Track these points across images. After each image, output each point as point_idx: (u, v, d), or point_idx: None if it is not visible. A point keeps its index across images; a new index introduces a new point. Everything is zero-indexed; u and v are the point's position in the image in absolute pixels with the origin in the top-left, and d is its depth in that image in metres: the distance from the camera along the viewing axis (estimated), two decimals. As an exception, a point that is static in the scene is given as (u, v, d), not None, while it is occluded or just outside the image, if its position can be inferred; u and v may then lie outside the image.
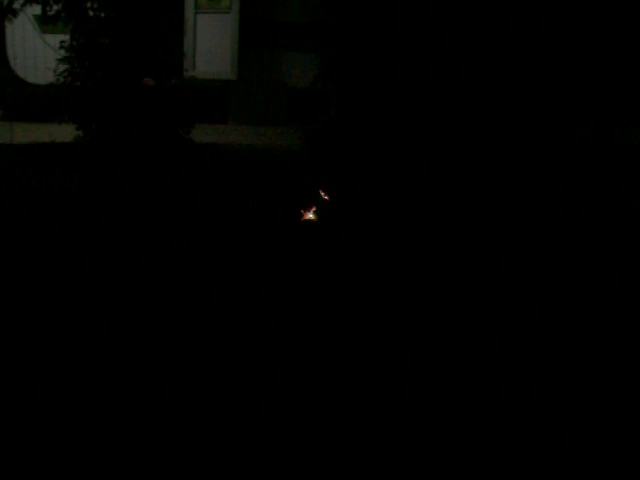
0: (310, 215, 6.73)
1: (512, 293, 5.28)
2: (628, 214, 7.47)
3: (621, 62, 9.75)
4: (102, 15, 11.14)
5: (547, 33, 9.41)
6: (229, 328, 4.55)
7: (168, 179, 8.89)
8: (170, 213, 7.25)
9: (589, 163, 8.91)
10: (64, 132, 11.19)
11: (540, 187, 8.16)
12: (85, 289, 5.10)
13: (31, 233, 6.47)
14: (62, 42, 11.16)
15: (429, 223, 6.90)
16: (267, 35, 14.96)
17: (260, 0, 14.92)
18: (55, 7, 10.95)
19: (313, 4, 14.04)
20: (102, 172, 9.26)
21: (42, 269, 5.51)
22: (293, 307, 4.92)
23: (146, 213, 7.25)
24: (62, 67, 11.09)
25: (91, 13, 11.10)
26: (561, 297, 5.25)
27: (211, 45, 15.41)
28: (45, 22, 11.38)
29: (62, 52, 11.13)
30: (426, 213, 7.13)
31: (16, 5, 11.05)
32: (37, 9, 11.43)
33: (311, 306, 4.95)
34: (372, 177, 7.97)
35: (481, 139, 8.96)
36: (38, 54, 14.38)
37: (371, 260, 5.88)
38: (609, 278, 5.64)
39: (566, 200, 7.93)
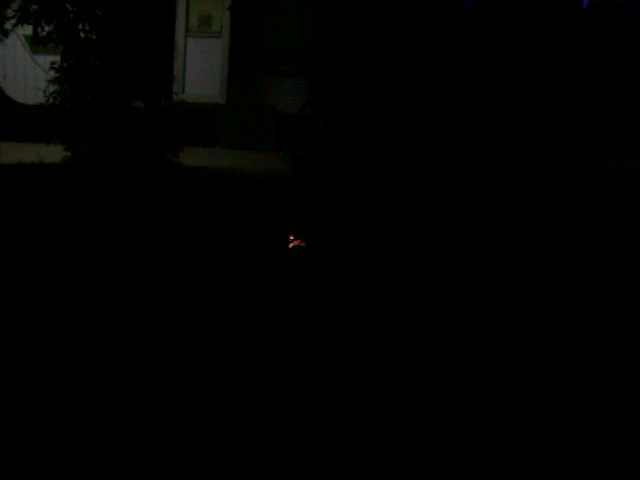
0: (298, 241, 6.75)
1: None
2: (615, 244, 7.52)
3: (610, 90, 9.85)
4: (93, 37, 11.16)
5: (537, 60, 9.50)
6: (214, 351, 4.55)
7: (156, 202, 8.89)
8: (156, 237, 7.24)
9: (578, 194, 8.98)
10: (52, 153, 11.18)
11: (527, 216, 8.21)
12: (67, 317, 5.09)
13: (18, 253, 6.46)
14: (52, 63, 11.18)
15: (417, 253, 6.93)
16: (257, 60, 15.03)
17: (251, 26, 15.00)
18: (47, 28, 10.96)
19: (303, 31, 14.14)
20: (90, 193, 9.25)
21: (32, 287, 5.50)
22: (276, 332, 4.93)
23: (132, 236, 7.24)
24: (52, 88, 11.09)
25: (82, 35, 11.12)
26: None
27: (201, 69, 15.46)
28: (36, 43, 11.37)
29: (52, 73, 11.15)
30: (414, 243, 7.16)
31: (7, 25, 11.05)
32: (28, 29, 11.42)
33: (293, 334, 4.95)
34: (360, 202, 8.01)
35: (470, 170, 9.02)
36: (28, 74, 14.38)
37: (359, 286, 5.90)
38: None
39: (553, 220, 7.99)
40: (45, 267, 6.10)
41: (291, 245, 6.69)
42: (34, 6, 10.80)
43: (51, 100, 11.10)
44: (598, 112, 9.73)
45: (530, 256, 7.02)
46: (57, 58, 11.26)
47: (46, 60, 11.67)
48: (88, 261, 6.35)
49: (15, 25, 11.01)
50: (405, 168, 8.66)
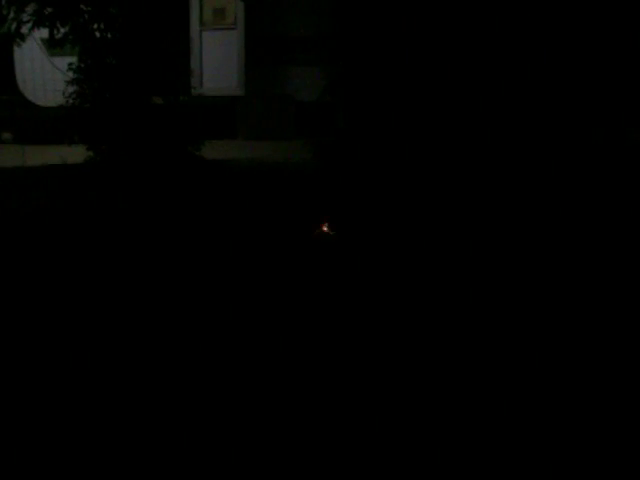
0: (325, 228, 6.75)
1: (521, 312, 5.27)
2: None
3: (631, 61, 9.73)
4: (109, 36, 11.21)
5: (556, 34, 9.41)
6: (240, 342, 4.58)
7: (181, 196, 8.93)
8: (185, 230, 7.29)
9: (600, 168, 8.88)
10: (75, 153, 11.25)
11: (550, 193, 8.15)
12: (95, 312, 5.14)
13: (52, 252, 6.52)
14: (70, 64, 11.23)
15: (443, 234, 6.90)
16: (273, 50, 15.02)
17: (265, 15, 14.99)
18: (62, 30, 11.02)
19: (318, 18, 14.11)
20: (115, 191, 9.30)
21: (64, 285, 5.56)
22: (305, 320, 4.94)
23: (162, 230, 7.29)
24: (71, 89, 11.15)
25: (98, 35, 11.17)
26: (566, 301, 5.25)
27: (218, 61, 15.48)
28: (53, 45, 11.45)
29: (70, 74, 11.21)
30: (440, 224, 7.12)
31: (24, 29, 11.12)
32: (45, 32, 11.49)
33: (322, 321, 4.96)
34: (385, 187, 7.98)
35: (490, 146, 8.96)
36: (47, 77, 14.47)
37: (388, 273, 5.89)
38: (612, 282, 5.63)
39: (575, 205, 7.91)
40: (85, 263, 6.15)
41: (317, 232, 6.70)
42: (49, 9, 10.86)
43: (70, 101, 11.16)
44: (619, 85, 9.62)
45: (551, 233, 6.97)
46: (74, 59, 11.31)
47: (64, 61, 11.73)
48: (119, 251, 6.42)
49: (31, 28, 11.09)
50: (427, 151, 8.62)
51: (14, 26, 11.10)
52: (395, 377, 4.12)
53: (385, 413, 3.72)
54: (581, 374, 4.16)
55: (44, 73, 14.51)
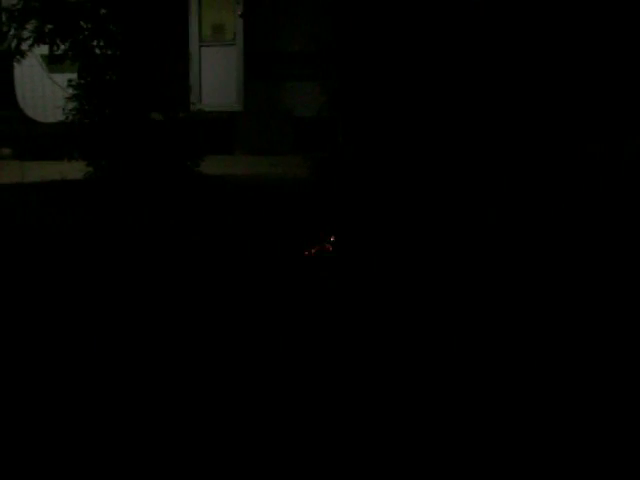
0: (323, 245, 6.77)
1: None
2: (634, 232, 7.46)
3: (628, 73, 9.78)
4: (109, 53, 11.28)
5: (554, 45, 9.47)
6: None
7: (180, 213, 8.96)
8: (182, 247, 7.31)
9: (597, 179, 8.92)
10: (74, 169, 11.29)
11: (547, 204, 8.19)
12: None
13: (48, 269, 6.54)
14: (70, 80, 11.29)
15: (440, 251, 6.93)
16: (272, 65, 15.10)
17: (263, 32, 15.08)
18: (62, 47, 11.08)
19: (316, 33, 14.17)
20: (114, 208, 9.34)
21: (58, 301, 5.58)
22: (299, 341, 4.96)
23: (158, 247, 7.32)
24: (71, 105, 11.21)
25: (97, 51, 11.24)
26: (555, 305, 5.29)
27: (216, 77, 15.56)
28: (53, 62, 11.52)
29: (70, 90, 11.27)
30: (437, 241, 7.15)
31: (24, 46, 11.18)
32: (45, 49, 11.56)
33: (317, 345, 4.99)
34: (382, 203, 8.02)
35: (487, 160, 9.01)
36: (46, 93, 14.54)
37: (386, 292, 5.90)
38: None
39: (569, 214, 7.95)
40: (80, 279, 6.18)
41: (315, 249, 6.72)
42: (49, 26, 10.92)
43: (70, 117, 11.21)
44: (613, 96, 9.67)
45: (544, 242, 7.00)
46: (74, 75, 11.37)
47: (63, 78, 11.80)
48: (119, 267, 6.45)
49: (31, 45, 11.14)
50: (424, 165, 8.67)
51: (14, 43, 11.16)
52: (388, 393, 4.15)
53: (374, 426, 3.75)
54: (572, 373, 4.19)
55: (44, 89, 14.59)
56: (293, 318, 5.30)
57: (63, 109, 11.29)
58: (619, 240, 7.09)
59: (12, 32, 11.15)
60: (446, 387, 4.19)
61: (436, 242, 7.00)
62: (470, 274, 6.22)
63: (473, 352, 4.65)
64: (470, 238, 7.14)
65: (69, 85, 11.28)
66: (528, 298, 5.64)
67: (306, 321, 5.24)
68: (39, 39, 11.03)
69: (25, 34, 11.03)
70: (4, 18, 11.31)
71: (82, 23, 11.04)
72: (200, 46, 15.54)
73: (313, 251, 6.69)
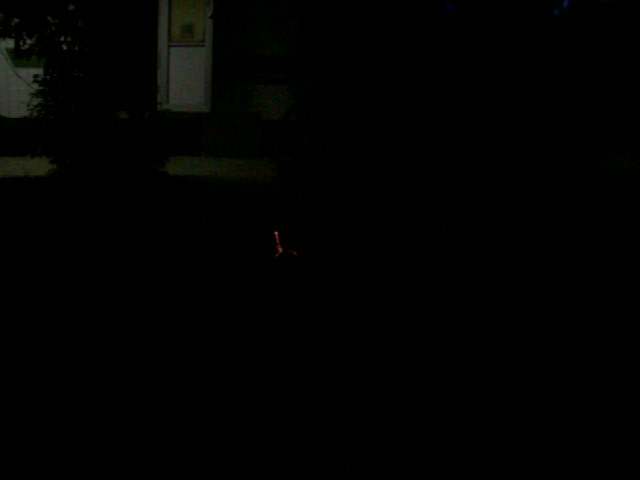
0: (286, 247, 6.75)
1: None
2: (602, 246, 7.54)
3: (591, 89, 9.90)
4: (76, 49, 11.18)
5: (520, 62, 9.55)
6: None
7: (142, 212, 8.89)
8: (142, 248, 7.25)
9: (563, 194, 9.02)
10: (38, 166, 11.17)
11: (514, 221, 8.26)
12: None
13: (17, 263, 6.47)
14: (36, 76, 11.17)
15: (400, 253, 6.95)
16: (241, 68, 15.06)
17: (233, 34, 15.04)
18: (29, 41, 10.97)
19: (287, 38, 14.17)
20: (77, 205, 9.24)
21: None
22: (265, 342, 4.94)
23: (118, 247, 7.25)
24: (36, 101, 11.09)
25: (65, 47, 11.13)
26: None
27: (185, 78, 15.48)
28: (18, 56, 11.36)
29: (35, 86, 11.15)
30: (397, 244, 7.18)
31: (-11, 40, 11.07)
32: (10, 43, 11.42)
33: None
34: (345, 205, 8.03)
35: (450, 166, 9.06)
36: (11, 88, 14.36)
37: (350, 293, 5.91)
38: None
39: (536, 226, 8.03)
40: (43, 275, 6.11)
41: (278, 253, 6.69)
42: (15, 19, 10.80)
43: (35, 113, 11.10)
44: (582, 112, 9.78)
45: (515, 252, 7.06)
46: (40, 71, 11.25)
47: (29, 73, 11.66)
48: (81, 268, 6.37)
49: (-3, 39, 11.03)
50: (389, 171, 8.69)
51: (-21, 36, 11.03)
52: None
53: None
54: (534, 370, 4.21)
55: (9, 84, 14.41)
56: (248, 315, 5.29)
57: (28, 105, 11.17)
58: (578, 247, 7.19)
59: (-23, 25, 11.00)
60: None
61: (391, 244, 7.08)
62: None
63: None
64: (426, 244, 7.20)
65: (35, 81, 11.16)
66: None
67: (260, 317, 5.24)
68: (5, 32, 10.91)
69: (-10, 27, 10.91)
70: (-30, 11, 11.15)
71: (49, 18, 10.93)
72: (169, 46, 15.45)
73: (276, 252, 6.67)
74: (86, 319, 5.21)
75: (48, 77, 11.10)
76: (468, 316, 5.44)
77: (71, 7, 11.05)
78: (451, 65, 9.41)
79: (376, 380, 4.31)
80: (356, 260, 6.67)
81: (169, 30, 15.46)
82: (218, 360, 4.58)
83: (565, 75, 9.75)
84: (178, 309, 5.49)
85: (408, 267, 6.51)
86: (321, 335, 4.99)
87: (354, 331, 5.07)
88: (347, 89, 9.44)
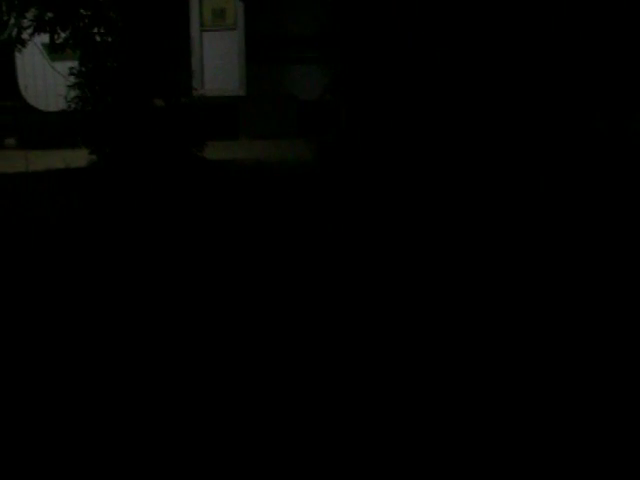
0: (325, 227, 6.75)
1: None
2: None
3: (629, 52, 9.72)
4: (109, 40, 11.24)
5: (558, 29, 9.40)
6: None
7: (185, 198, 8.94)
8: (190, 233, 7.31)
9: (602, 157, 8.88)
10: (78, 157, 11.28)
11: (551, 185, 8.15)
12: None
13: (58, 256, 6.55)
14: (71, 68, 11.26)
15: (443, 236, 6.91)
16: (274, 49, 15.05)
17: (264, 15, 15.01)
18: (63, 35, 11.06)
19: (318, 16, 14.11)
20: (119, 194, 9.33)
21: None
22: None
23: (167, 232, 7.31)
24: (73, 93, 11.18)
25: (98, 38, 11.20)
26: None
27: (219, 62, 15.51)
28: (54, 50, 11.47)
29: (72, 78, 11.24)
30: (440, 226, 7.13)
31: (25, 35, 11.16)
32: (45, 38, 11.52)
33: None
34: (385, 187, 8.00)
35: (491, 139, 8.97)
36: (48, 82, 14.52)
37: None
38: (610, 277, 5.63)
39: (575, 195, 7.92)
40: (85, 267, 6.19)
41: (317, 232, 6.68)
42: (49, 14, 10.89)
43: (72, 105, 11.19)
44: (619, 74, 9.61)
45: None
46: (75, 63, 11.34)
47: (65, 66, 11.77)
48: (124, 253, 6.45)
49: (32, 34, 11.12)
50: (428, 147, 8.63)
51: (15, 32, 11.13)
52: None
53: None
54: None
55: (46, 78, 14.57)
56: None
57: (65, 97, 11.28)
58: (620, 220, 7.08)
59: (12, 21, 11.11)
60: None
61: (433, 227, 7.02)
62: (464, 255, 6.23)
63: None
64: (467, 221, 7.14)
65: (70, 73, 11.24)
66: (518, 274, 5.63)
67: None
68: (39, 28, 11.00)
69: (25, 23, 11.01)
70: (4, 7, 11.26)
71: (82, 10, 11.00)
72: (202, 31, 15.49)
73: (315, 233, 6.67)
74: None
75: (83, 69, 11.17)
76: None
77: (103, -2, 11.12)
78: (488, 34, 9.29)
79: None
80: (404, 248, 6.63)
81: (201, 15, 15.49)
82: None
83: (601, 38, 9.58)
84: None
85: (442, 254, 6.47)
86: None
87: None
88: (381, 67, 9.38)
